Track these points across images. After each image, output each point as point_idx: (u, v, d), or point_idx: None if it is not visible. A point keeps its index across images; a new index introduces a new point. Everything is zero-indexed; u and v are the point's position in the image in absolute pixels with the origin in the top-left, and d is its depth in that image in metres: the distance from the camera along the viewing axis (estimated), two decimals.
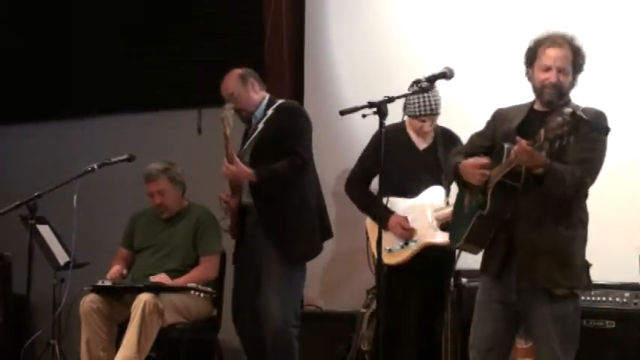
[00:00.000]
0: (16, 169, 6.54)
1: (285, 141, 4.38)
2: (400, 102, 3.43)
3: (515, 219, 3.34)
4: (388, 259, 4.33)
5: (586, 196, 3.45)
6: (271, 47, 5.70)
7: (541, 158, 3.18)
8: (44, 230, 5.06)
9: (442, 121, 4.62)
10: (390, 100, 3.35)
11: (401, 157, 4.46)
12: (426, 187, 4.52)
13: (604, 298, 4.34)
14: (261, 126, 4.46)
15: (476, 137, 3.64)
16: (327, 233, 4.58)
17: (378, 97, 3.32)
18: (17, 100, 6.67)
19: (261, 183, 4.34)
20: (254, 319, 4.43)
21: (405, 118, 4.45)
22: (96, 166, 4.68)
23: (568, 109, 3.01)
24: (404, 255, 4.39)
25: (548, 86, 3.38)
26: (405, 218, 4.46)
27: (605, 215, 4.63)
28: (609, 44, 4.79)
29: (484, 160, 3.41)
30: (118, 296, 4.63)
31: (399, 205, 4.47)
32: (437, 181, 4.51)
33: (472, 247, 3.51)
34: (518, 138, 3.20)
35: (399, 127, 4.48)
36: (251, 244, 4.48)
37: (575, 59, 3.41)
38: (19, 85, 6.66)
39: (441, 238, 4.31)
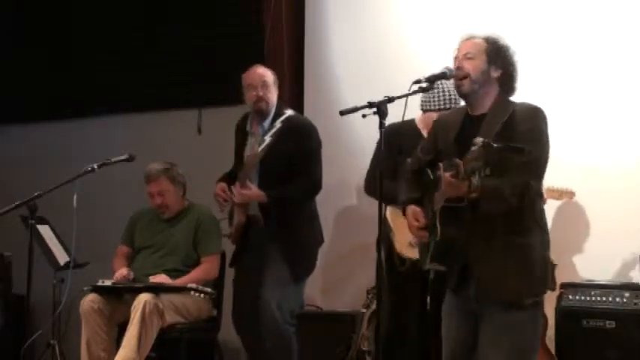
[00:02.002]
0: (16, 169, 6.54)
1: (301, 161, 4.47)
2: (400, 102, 3.41)
3: (468, 239, 3.19)
4: (412, 254, 4.16)
5: (540, 196, 3.27)
6: (271, 47, 5.70)
7: (465, 187, 3.00)
8: (44, 230, 5.06)
9: None
10: (390, 100, 3.33)
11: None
12: None
13: (604, 298, 4.33)
14: (268, 139, 4.38)
15: (420, 153, 3.50)
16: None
17: (378, 97, 3.31)
18: (17, 100, 6.68)
19: (272, 206, 4.44)
20: (254, 320, 4.44)
21: (416, 114, 4.40)
22: (96, 166, 4.67)
23: (479, 139, 2.85)
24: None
25: (456, 76, 3.26)
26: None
27: (605, 216, 4.66)
28: (612, 44, 4.79)
29: (421, 219, 3.33)
30: (118, 296, 4.62)
31: None
32: None
33: (438, 267, 3.40)
34: (442, 172, 3.08)
35: (410, 124, 4.39)
36: (255, 250, 4.52)
37: (489, 48, 3.24)
38: (19, 85, 6.66)
39: None
